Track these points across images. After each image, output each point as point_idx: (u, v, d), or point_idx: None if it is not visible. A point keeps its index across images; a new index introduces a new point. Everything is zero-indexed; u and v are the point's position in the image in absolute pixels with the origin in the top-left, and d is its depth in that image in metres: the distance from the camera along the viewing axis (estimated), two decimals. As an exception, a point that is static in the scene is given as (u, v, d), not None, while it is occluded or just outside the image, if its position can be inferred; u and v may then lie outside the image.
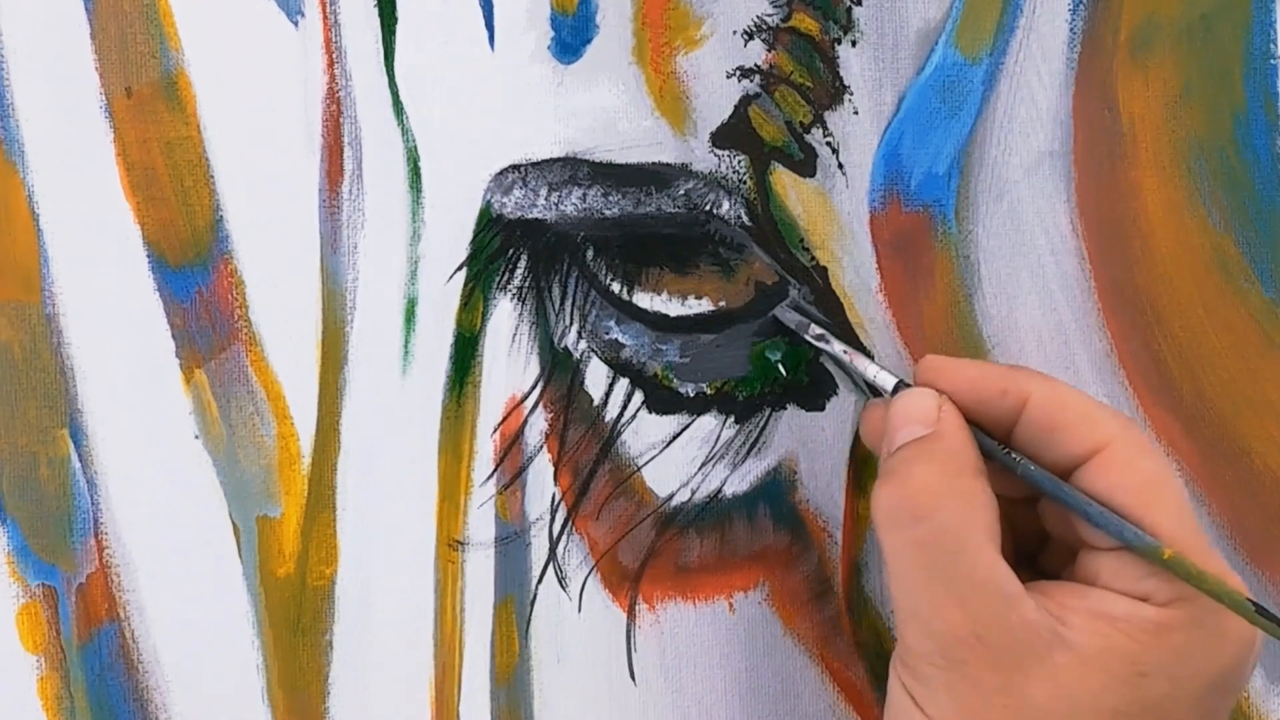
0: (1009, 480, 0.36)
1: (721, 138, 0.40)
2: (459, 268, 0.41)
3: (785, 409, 0.42)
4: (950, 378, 0.36)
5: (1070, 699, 0.32)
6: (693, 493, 0.42)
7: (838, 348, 0.39)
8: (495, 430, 0.42)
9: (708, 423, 0.42)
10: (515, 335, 0.41)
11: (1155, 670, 0.32)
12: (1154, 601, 0.32)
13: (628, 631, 0.42)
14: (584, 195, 0.40)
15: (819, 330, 0.40)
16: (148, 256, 0.41)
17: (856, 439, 0.42)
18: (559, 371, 0.41)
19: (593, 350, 0.41)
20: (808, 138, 0.40)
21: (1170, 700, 0.32)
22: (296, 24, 0.40)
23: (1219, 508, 0.41)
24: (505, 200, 0.40)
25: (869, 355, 0.40)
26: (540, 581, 0.42)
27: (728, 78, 0.40)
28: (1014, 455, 0.35)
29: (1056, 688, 0.32)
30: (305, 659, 0.42)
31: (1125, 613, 0.32)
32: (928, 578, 0.33)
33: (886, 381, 0.38)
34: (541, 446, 0.42)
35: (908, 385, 0.37)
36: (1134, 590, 0.33)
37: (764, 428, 0.42)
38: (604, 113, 0.40)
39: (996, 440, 0.35)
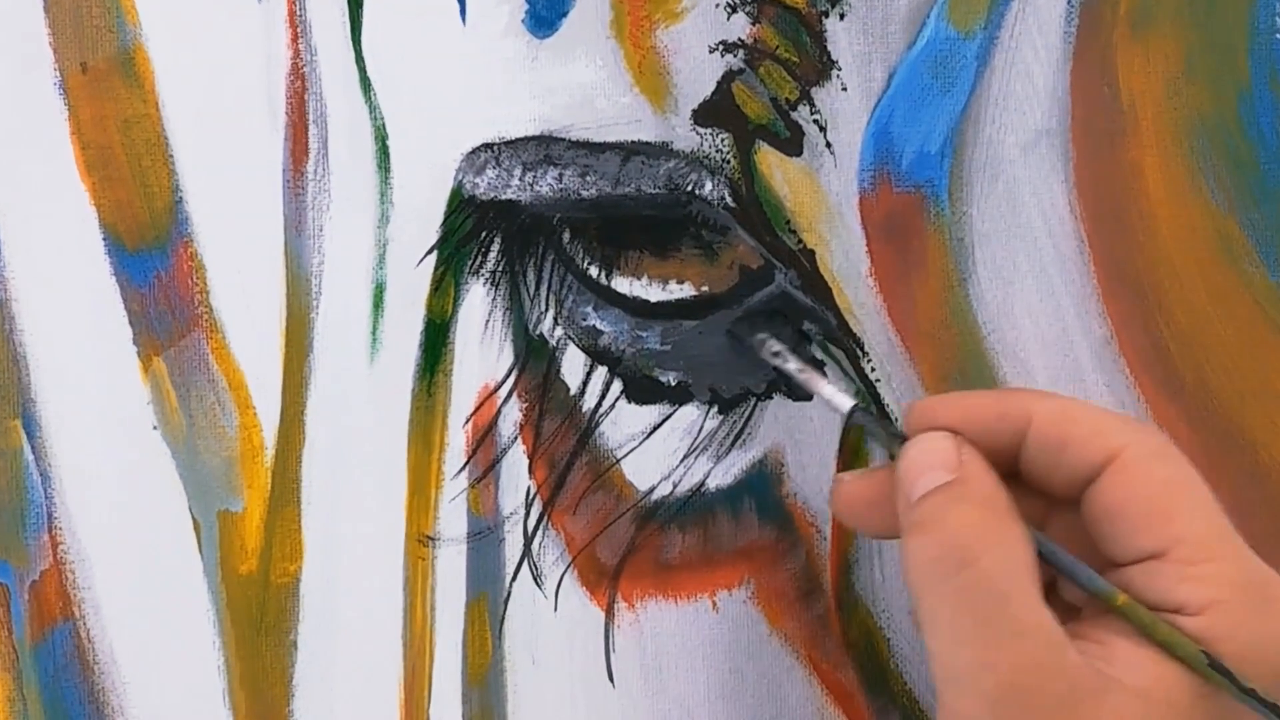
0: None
1: (704, 115, 0.40)
2: (429, 251, 0.41)
3: (771, 398, 0.41)
4: (946, 415, 0.35)
5: None
6: (674, 486, 0.41)
7: (793, 366, 0.39)
8: (467, 421, 0.41)
9: (690, 413, 0.41)
10: (488, 322, 0.41)
11: (1213, 688, 0.31)
12: (1188, 611, 0.31)
13: (606, 631, 0.42)
14: (560, 175, 0.40)
15: (776, 348, 0.39)
16: (104, 239, 0.41)
17: (847, 430, 0.41)
18: (534, 360, 0.41)
19: (569, 337, 0.41)
20: (794, 115, 0.40)
21: (1236, 712, 0.31)
22: (259, -4, 0.41)
23: (1224, 501, 0.40)
24: (477, 181, 0.40)
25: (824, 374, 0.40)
26: (514, 579, 0.42)
27: (710, 52, 0.40)
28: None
29: None
30: (268, 659, 0.42)
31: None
32: (975, 628, 0.32)
33: (842, 403, 0.37)
34: (516, 438, 0.41)
35: (862, 409, 0.37)
36: (1167, 603, 0.31)
37: (749, 418, 0.41)
38: (581, 89, 0.40)
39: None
